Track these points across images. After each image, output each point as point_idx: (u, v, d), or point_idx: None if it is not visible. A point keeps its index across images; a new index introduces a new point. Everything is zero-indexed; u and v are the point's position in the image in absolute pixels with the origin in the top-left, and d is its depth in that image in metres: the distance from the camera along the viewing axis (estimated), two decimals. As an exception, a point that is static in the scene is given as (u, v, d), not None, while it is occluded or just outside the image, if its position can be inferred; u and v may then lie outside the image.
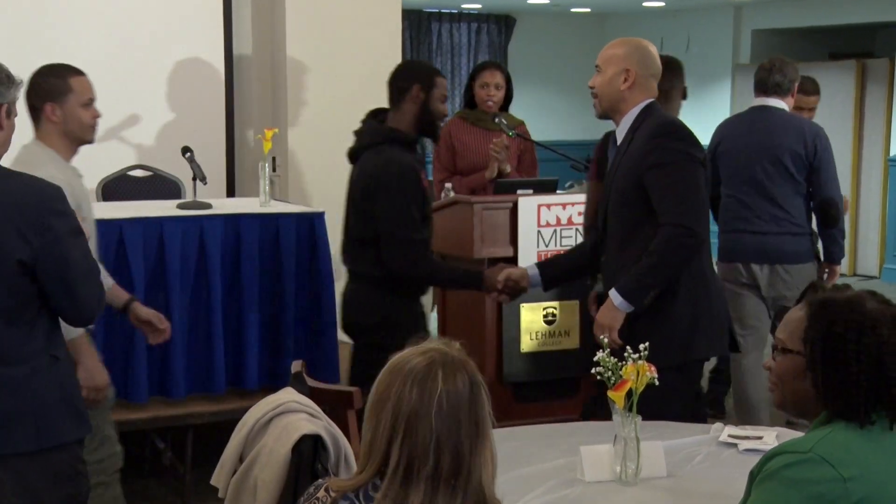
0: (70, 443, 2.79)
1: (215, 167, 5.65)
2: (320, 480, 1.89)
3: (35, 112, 3.46)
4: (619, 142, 3.49)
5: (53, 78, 3.45)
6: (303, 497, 1.88)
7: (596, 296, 3.84)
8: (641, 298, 3.32)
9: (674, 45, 11.32)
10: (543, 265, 3.87)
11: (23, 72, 5.31)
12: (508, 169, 5.26)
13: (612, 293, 3.35)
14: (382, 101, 6.12)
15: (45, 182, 2.74)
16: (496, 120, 5.36)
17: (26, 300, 2.67)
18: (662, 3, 10.89)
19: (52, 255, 2.64)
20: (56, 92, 3.42)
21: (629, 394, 2.60)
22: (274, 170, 5.15)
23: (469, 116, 5.47)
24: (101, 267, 2.99)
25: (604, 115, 3.53)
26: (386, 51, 6.06)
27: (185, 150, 4.85)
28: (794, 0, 10.23)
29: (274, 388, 2.88)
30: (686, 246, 3.30)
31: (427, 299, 6.52)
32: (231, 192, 5.94)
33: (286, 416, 2.56)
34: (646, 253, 3.32)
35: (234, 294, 4.48)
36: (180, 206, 4.62)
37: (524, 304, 4.72)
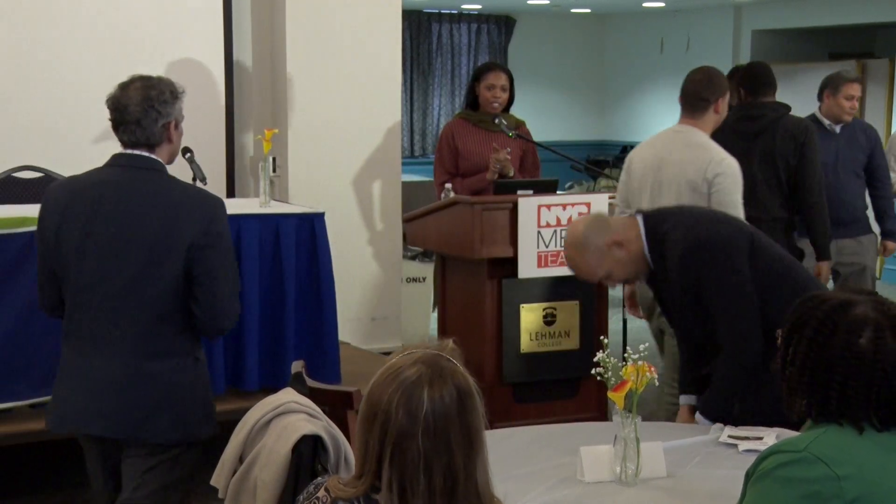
0: (200, 441, 3.06)
1: (215, 168, 5.64)
2: (320, 479, 1.89)
3: None
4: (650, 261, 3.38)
5: None
6: (302, 495, 1.87)
7: (632, 293, 3.81)
8: (728, 411, 3.23)
9: (674, 46, 11.32)
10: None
11: (25, 76, 5.32)
12: (511, 172, 5.26)
13: (699, 417, 3.25)
14: (383, 101, 6.16)
15: (213, 195, 3.08)
16: (496, 121, 5.36)
17: (182, 303, 2.95)
18: (662, 4, 10.90)
19: (207, 264, 2.93)
20: None
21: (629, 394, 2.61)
22: (274, 170, 5.15)
23: (471, 118, 5.46)
24: None
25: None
26: (385, 51, 6.06)
27: (185, 150, 4.83)
28: (794, 0, 10.23)
29: (274, 389, 2.88)
30: (745, 366, 3.22)
31: (428, 300, 6.54)
32: (231, 193, 5.94)
33: (286, 416, 2.56)
34: (714, 377, 3.26)
35: (234, 294, 4.47)
36: (180, 207, 4.61)
37: (524, 305, 4.72)
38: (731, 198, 4.04)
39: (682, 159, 4.12)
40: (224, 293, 2.98)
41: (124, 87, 3.01)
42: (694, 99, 4.20)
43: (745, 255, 3.25)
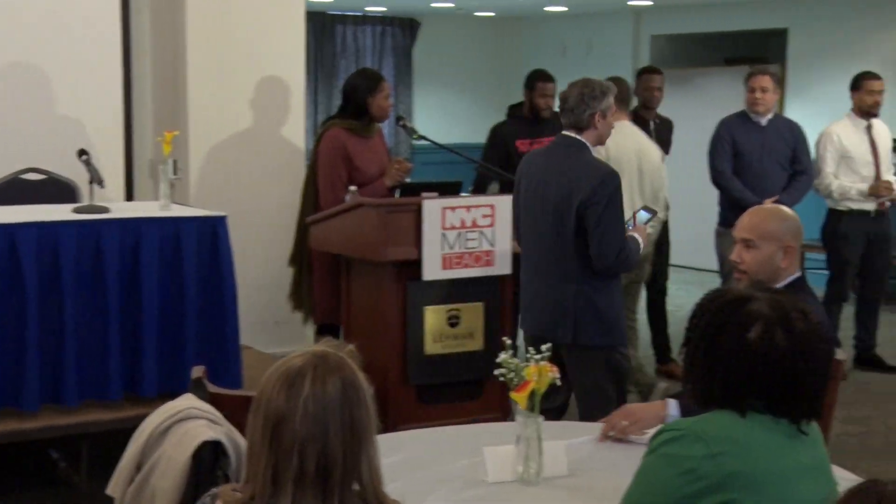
0: (602, 346, 4.17)
1: (113, 170, 5.53)
2: (214, 490, 1.87)
3: None
4: None
5: None
6: (197, 505, 1.85)
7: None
8: None
9: (576, 50, 11.47)
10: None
11: None
12: (408, 179, 5.31)
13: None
14: (286, 103, 6.10)
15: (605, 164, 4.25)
16: (399, 123, 5.43)
17: (579, 240, 4.06)
18: (565, 8, 11.02)
19: (595, 211, 4.01)
20: None
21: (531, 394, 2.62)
22: (175, 173, 5.07)
23: (355, 128, 5.32)
24: None
25: None
26: (289, 53, 6.02)
27: (82, 152, 4.74)
28: (691, 7, 10.44)
29: (173, 395, 2.83)
30: None
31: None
32: (130, 196, 5.83)
33: (186, 422, 2.52)
34: None
35: (133, 299, 4.39)
36: (76, 210, 4.52)
37: (428, 307, 4.72)
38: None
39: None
40: (603, 234, 4.09)
41: None
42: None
43: None
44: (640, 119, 6.26)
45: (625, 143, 5.42)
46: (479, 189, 6.09)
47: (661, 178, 5.60)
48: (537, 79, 6.20)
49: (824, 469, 2.15)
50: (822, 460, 2.16)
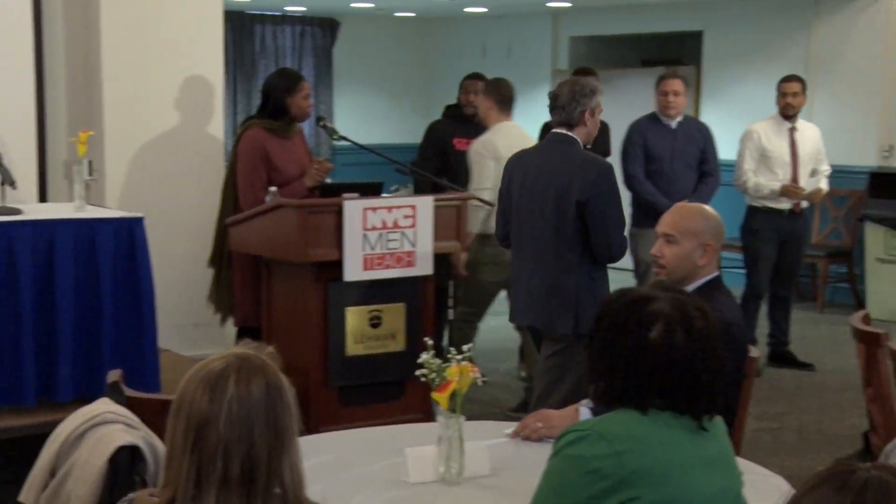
0: None
1: (26, 171, 5.40)
2: (131, 494, 1.84)
3: None
4: None
5: None
6: (113, 512, 1.82)
7: None
8: None
9: (496, 51, 11.52)
10: None
11: None
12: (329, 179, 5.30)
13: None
14: (205, 103, 6.03)
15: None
16: (320, 123, 5.44)
17: (579, 233, 4.16)
18: (485, 9, 11.07)
19: (597, 205, 4.11)
20: None
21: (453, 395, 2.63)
22: (90, 174, 4.98)
23: (275, 128, 5.26)
24: None
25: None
26: (207, 53, 5.95)
27: (-7, 152, 4.64)
28: (608, 9, 10.57)
29: (89, 400, 2.79)
30: None
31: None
32: (43, 198, 5.71)
33: (101, 427, 2.48)
34: None
35: (47, 302, 4.31)
36: (-13, 212, 4.42)
37: (349, 308, 4.71)
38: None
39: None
40: (609, 227, 4.23)
41: None
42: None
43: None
44: None
45: (511, 145, 5.47)
46: (422, 190, 6.10)
47: None
48: (465, 77, 6.51)
49: (727, 462, 2.19)
50: (725, 453, 2.20)
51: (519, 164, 4.44)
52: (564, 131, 4.29)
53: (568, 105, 4.26)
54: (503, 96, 5.77)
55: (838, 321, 7.59)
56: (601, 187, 4.17)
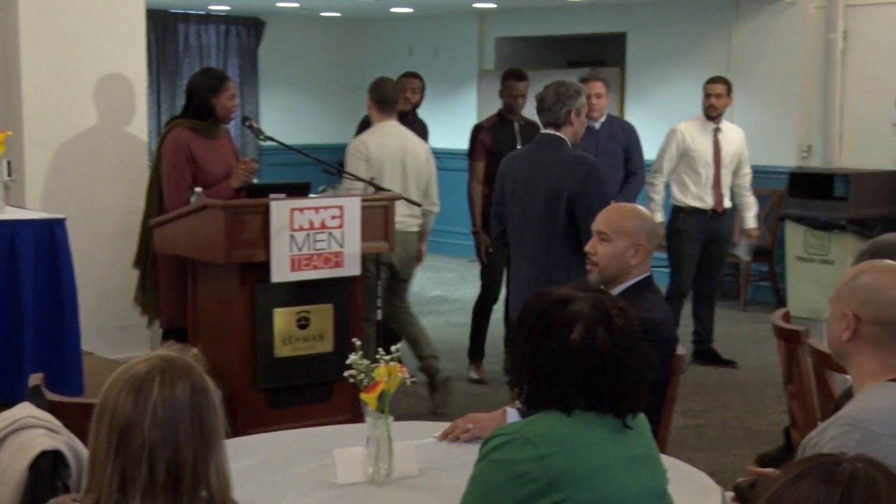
0: None
1: (-58, 171, 5.28)
2: (54, 500, 1.81)
3: None
4: None
5: None
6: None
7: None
8: None
9: (422, 52, 11.53)
10: None
11: None
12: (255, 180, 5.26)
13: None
14: (127, 102, 5.95)
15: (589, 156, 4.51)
16: (245, 124, 5.41)
17: (570, 230, 4.29)
18: (411, 10, 11.07)
19: (585, 201, 4.21)
20: None
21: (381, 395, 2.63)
22: (9, 174, 4.88)
23: (200, 128, 5.19)
24: None
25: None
26: (129, 51, 5.87)
27: None
28: (533, 10, 10.64)
29: (10, 404, 2.72)
30: None
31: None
32: (-39, 198, 5.58)
33: (23, 432, 2.43)
34: None
35: (-35, 306, 4.22)
36: None
37: (277, 309, 4.68)
38: None
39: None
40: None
41: None
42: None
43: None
44: (505, 121, 6.37)
45: (386, 144, 5.58)
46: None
47: (428, 174, 5.81)
48: (402, 75, 6.80)
49: (651, 459, 2.22)
50: (649, 451, 2.22)
51: (511, 166, 4.64)
52: (552, 132, 4.50)
53: (554, 106, 4.46)
54: (382, 97, 5.78)
55: (760, 319, 7.74)
56: (589, 184, 4.37)
